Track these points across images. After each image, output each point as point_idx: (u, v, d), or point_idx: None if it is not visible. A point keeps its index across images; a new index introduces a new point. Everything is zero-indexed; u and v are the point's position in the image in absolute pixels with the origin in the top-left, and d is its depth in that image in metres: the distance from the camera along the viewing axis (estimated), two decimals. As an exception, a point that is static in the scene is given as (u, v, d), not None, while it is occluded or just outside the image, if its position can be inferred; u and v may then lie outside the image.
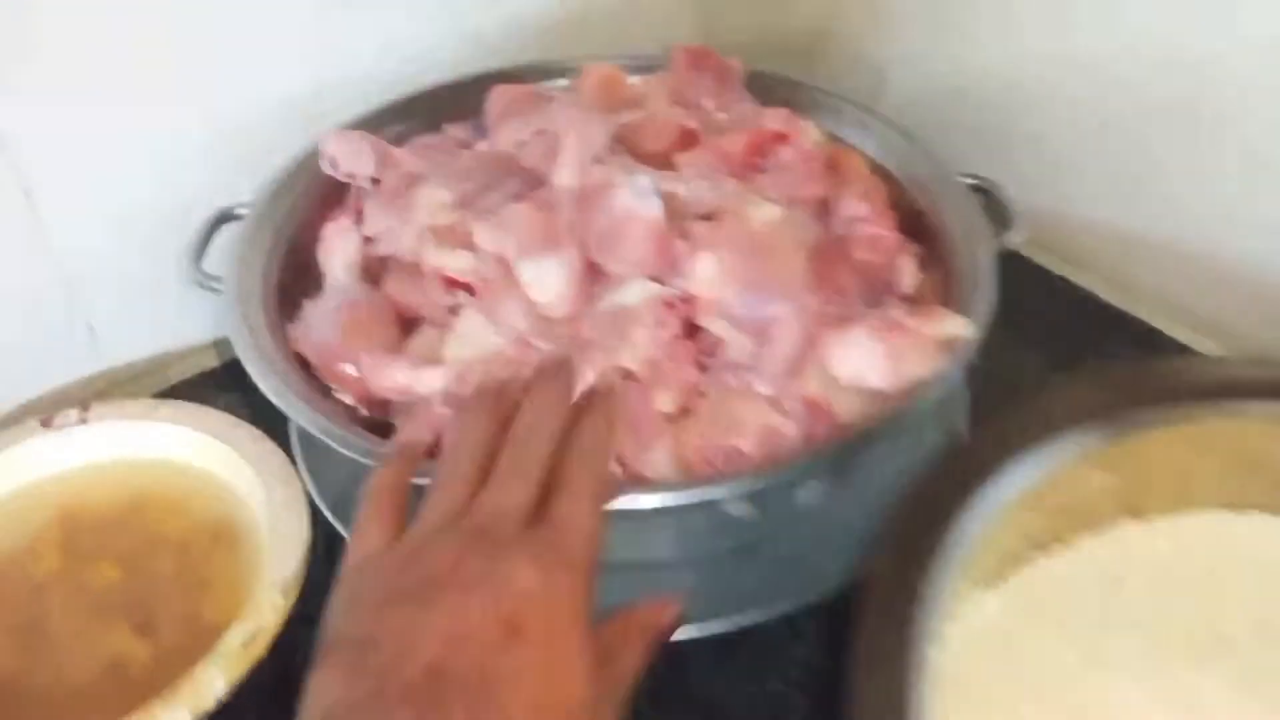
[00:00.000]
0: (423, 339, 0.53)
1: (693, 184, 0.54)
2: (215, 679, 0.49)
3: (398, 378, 0.50)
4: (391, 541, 0.40)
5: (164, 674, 0.53)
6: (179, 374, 0.71)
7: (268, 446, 0.60)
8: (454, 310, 0.53)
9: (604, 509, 0.41)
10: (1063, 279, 0.74)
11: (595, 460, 0.43)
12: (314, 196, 0.63)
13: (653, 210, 0.52)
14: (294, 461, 0.60)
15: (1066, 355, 0.68)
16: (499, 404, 0.45)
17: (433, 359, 0.52)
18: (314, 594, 0.53)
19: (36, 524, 0.59)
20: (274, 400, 0.51)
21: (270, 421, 0.61)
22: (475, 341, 0.50)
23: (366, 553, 0.40)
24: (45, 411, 0.63)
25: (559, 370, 0.48)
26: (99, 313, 0.68)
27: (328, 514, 0.58)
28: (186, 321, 0.71)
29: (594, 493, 0.41)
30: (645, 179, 0.53)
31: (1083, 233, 0.74)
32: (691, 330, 0.53)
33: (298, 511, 0.57)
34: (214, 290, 0.59)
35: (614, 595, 0.39)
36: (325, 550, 0.55)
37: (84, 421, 0.62)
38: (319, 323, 0.54)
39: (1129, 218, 0.72)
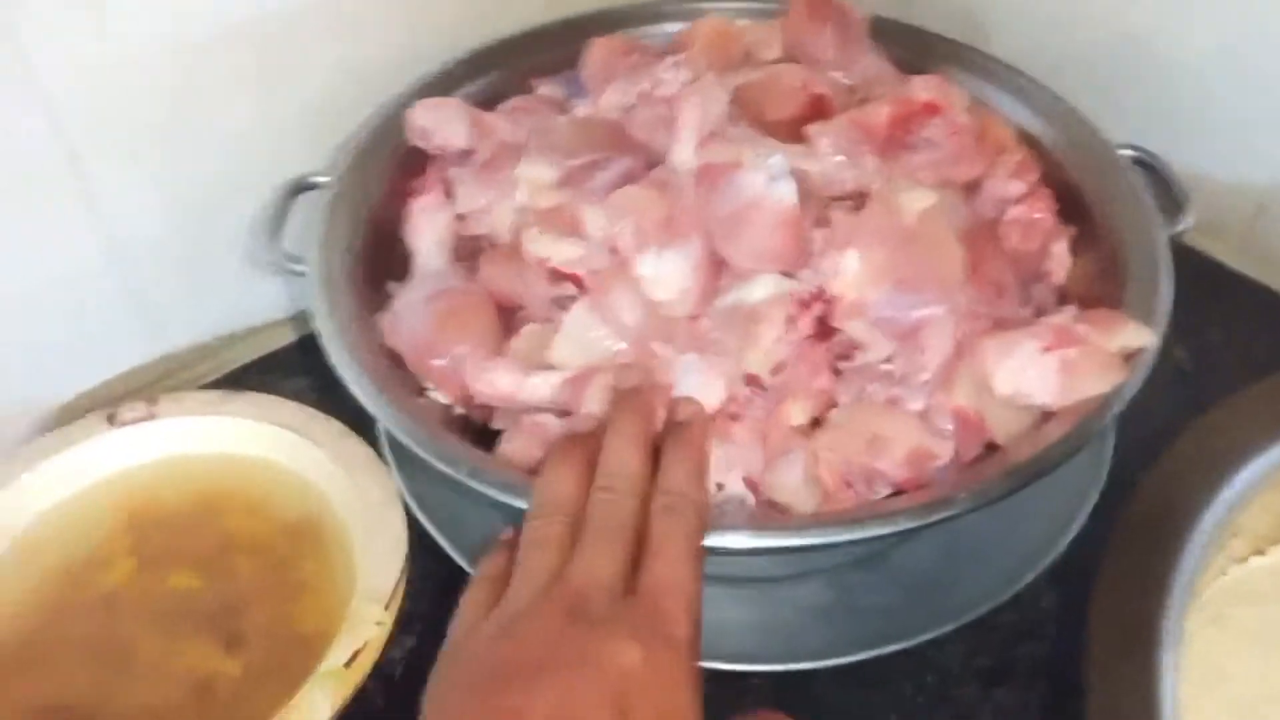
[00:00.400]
0: (527, 338, 0.48)
1: (828, 162, 0.48)
2: (320, 703, 0.45)
3: (501, 384, 0.45)
4: (489, 613, 0.38)
5: (257, 693, 0.49)
6: (243, 356, 0.66)
7: (353, 442, 0.56)
8: (560, 303, 0.47)
9: (700, 567, 0.39)
10: (1239, 274, 0.65)
11: (685, 512, 0.40)
12: (393, 167, 0.57)
13: (786, 197, 0.46)
14: (382, 457, 0.56)
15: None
16: (582, 449, 0.42)
17: (538, 361, 0.47)
18: (414, 605, 0.50)
19: (104, 528, 0.55)
20: (369, 407, 0.47)
21: (353, 412, 0.57)
22: (585, 343, 0.45)
23: (466, 629, 0.39)
24: (105, 400, 0.59)
25: (634, 401, 0.44)
26: (156, 294, 0.62)
27: (421, 516, 0.54)
28: (249, 300, 0.66)
29: (687, 553, 0.39)
30: (777, 159, 0.47)
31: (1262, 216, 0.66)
32: (825, 331, 0.48)
33: (392, 513, 0.52)
34: (293, 273, 0.54)
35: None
36: (421, 557, 0.52)
37: (152, 416, 0.57)
38: (410, 314, 0.49)
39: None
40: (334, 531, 0.55)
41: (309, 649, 0.51)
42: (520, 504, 0.42)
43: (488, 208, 0.51)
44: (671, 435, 0.43)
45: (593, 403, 0.44)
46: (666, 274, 0.46)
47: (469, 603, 0.40)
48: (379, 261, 0.55)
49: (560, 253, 0.47)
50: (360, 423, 0.56)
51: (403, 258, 0.57)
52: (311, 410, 0.57)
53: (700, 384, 0.45)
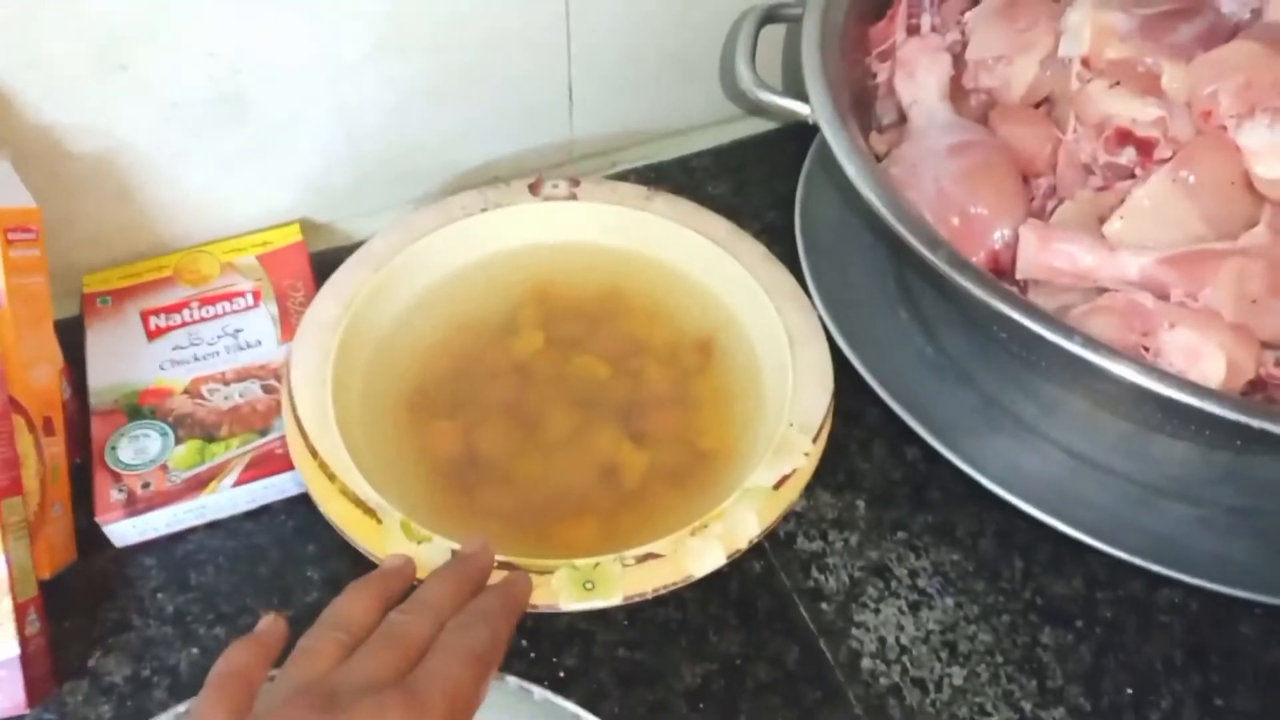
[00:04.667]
0: (1078, 206, 0.43)
1: None
2: (747, 516, 0.44)
3: (1083, 260, 0.41)
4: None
5: (659, 492, 0.48)
6: (659, 155, 0.66)
7: (775, 268, 0.53)
8: (1112, 170, 0.43)
9: (481, 673, 0.35)
10: None
11: (476, 626, 0.36)
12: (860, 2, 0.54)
13: None
14: (807, 290, 0.53)
15: None
16: (381, 584, 0.39)
17: (1099, 236, 0.42)
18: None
19: (514, 298, 0.55)
20: (917, 247, 0.42)
21: (774, 239, 0.55)
22: (1162, 220, 0.41)
23: None
24: (523, 172, 0.58)
25: (468, 563, 0.40)
26: (588, 87, 0.62)
27: (849, 353, 0.51)
28: (671, 108, 0.66)
29: (466, 654, 0.35)
30: None
31: None
32: None
33: (817, 346, 0.50)
34: (768, 102, 0.51)
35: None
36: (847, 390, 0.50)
37: (573, 197, 0.56)
38: (930, 164, 0.45)
39: None
40: (743, 354, 0.53)
41: (709, 463, 0.49)
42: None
43: (1006, 58, 0.47)
44: (496, 584, 0.40)
45: (1221, 295, 0.39)
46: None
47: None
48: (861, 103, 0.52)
49: (1139, 112, 0.42)
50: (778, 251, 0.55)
51: (867, 101, 0.54)
52: (735, 226, 0.55)
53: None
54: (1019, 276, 0.42)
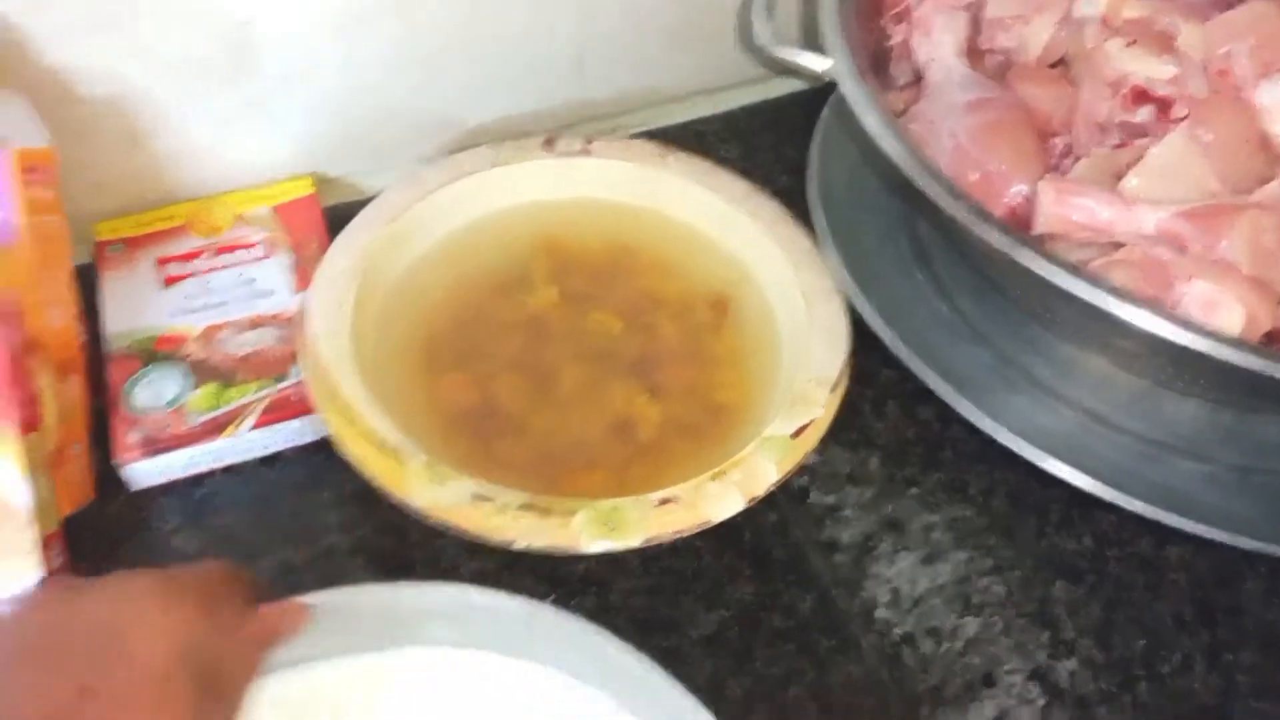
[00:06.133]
0: (1095, 164, 0.43)
1: None
2: (766, 464, 0.44)
3: (1101, 214, 0.41)
4: None
5: (676, 444, 0.48)
6: (665, 119, 0.66)
7: (791, 227, 0.53)
8: (1127, 129, 0.43)
9: None
10: None
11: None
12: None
13: None
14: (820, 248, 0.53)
15: None
16: None
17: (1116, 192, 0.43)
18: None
19: (526, 251, 0.54)
20: (938, 200, 0.42)
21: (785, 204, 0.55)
22: (1176, 177, 0.41)
23: None
24: (532, 132, 0.58)
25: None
26: (597, 47, 0.62)
27: (866, 309, 0.51)
28: (672, 72, 0.66)
29: None
30: None
31: None
32: None
33: (833, 302, 0.50)
34: (786, 58, 0.51)
35: None
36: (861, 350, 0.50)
37: (586, 153, 0.56)
38: (947, 120, 0.45)
39: None
40: (758, 311, 0.53)
41: (727, 417, 0.50)
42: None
43: (1023, 18, 0.48)
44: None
45: (1237, 247, 0.39)
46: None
47: None
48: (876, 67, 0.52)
49: (1156, 70, 0.42)
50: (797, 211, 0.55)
51: (883, 62, 0.54)
52: (750, 185, 0.55)
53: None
54: (1036, 230, 0.43)
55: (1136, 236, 0.40)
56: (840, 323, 0.50)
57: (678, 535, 0.42)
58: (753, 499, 0.43)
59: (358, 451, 0.43)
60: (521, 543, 0.41)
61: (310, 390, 0.46)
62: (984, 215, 0.41)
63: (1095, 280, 0.38)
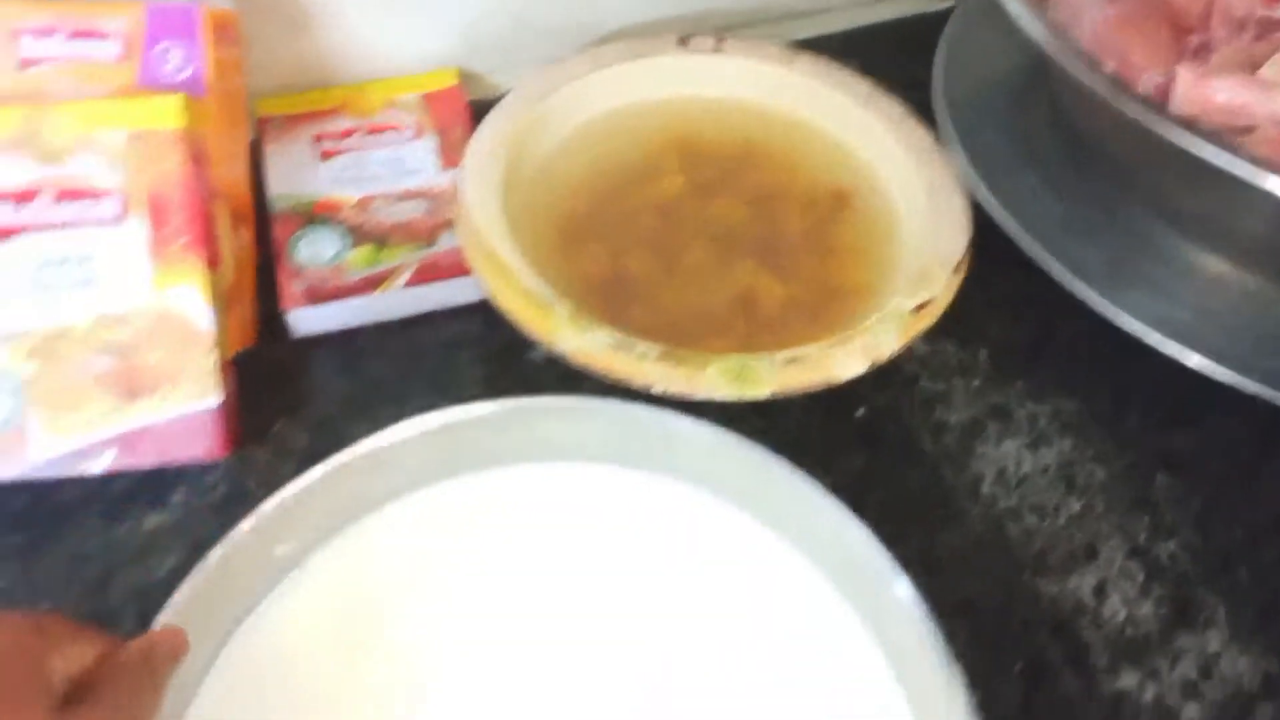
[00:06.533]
0: (1227, 55, 0.45)
1: None
2: (887, 335, 0.47)
3: (1237, 95, 0.42)
4: None
5: (796, 321, 0.51)
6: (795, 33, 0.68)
7: (918, 126, 0.55)
8: (1267, 26, 0.45)
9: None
10: None
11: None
12: None
13: None
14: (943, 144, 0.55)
15: None
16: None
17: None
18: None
19: (656, 144, 0.57)
20: (1084, 79, 0.44)
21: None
22: None
23: None
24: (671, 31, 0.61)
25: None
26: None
27: (987, 205, 0.54)
28: None
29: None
30: None
31: None
32: None
33: (957, 196, 0.52)
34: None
35: None
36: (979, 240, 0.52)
37: (718, 51, 0.59)
38: (1087, 9, 0.47)
39: None
40: (879, 205, 0.55)
41: (847, 300, 0.52)
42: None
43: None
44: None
45: None
46: None
47: None
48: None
49: None
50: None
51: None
52: (874, 86, 0.57)
53: None
54: (1173, 111, 0.44)
55: (1274, 119, 0.42)
56: (962, 211, 0.52)
57: (804, 389, 0.45)
58: (874, 362, 0.46)
59: (510, 303, 0.47)
60: (659, 386, 0.44)
61: (466, 250, 0.49)
62: (1125, 88, 0.43)
63: (1236, 149, 0.39)
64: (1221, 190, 0.40)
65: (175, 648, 0.36)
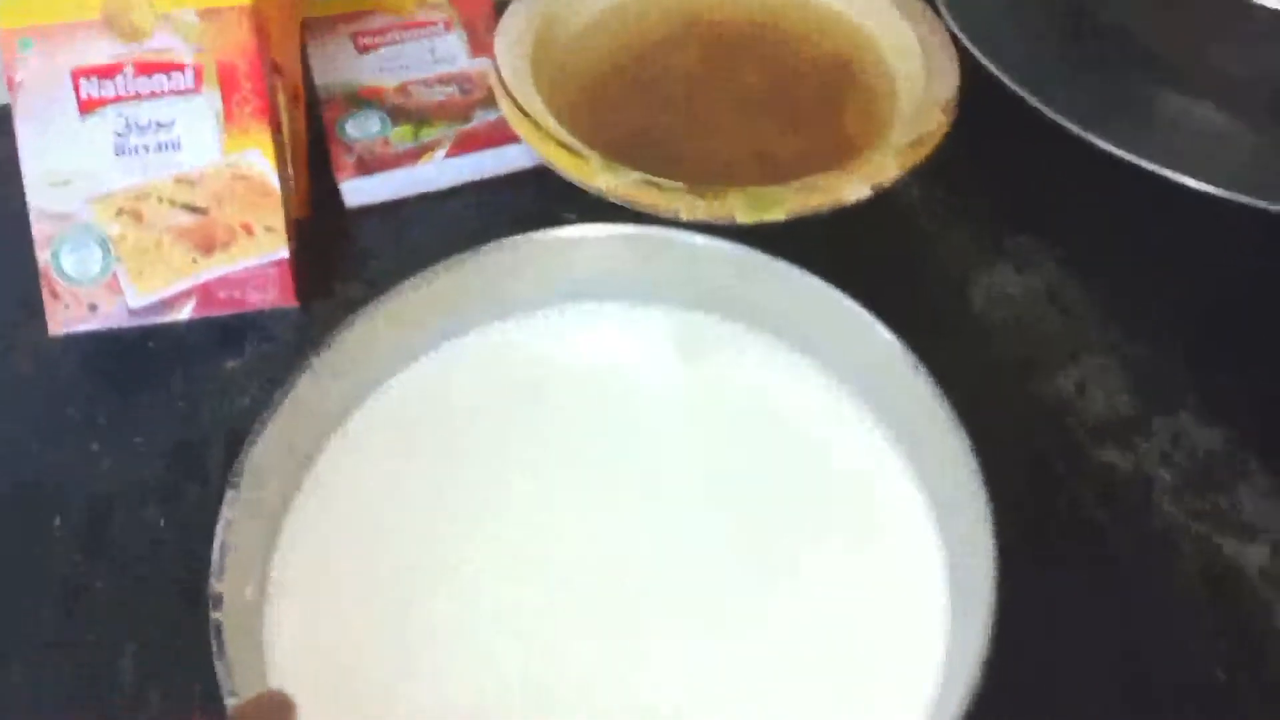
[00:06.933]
0: None
1: None
2: (889, 164, 0.52)
3: None
4: None
5: (811, 166, 0.55)
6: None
7: (910, -4, 0.61)
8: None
9: None
10: None
11: None
12: None
13: None
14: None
15: None
16: None
17: None
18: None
19: (671, 24, 0.62)
20: None
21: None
22: None
23: None
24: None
25: None
26: None
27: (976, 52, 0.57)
28: None
29: None
30: None
31: None
32: None
33: (945, 50, 0.57)
34: None
35: None
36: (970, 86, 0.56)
37: (725, -64, 0.64)
38: None
39: None
40: (881, 65, 0.59)
41: (857, 145, 0.57)
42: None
43: None
44: None
45: None
46: None
47: None
48: None
49: None
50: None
51: None
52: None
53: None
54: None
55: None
56: (951, 61, 0.56)
57: (815, 210, 0.50)
58: (877, 186, 0.51)
59: (548, 151, 0.52)
60: (686, 214, 0.49)
61: (506, 112, 0.54)
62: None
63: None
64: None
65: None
